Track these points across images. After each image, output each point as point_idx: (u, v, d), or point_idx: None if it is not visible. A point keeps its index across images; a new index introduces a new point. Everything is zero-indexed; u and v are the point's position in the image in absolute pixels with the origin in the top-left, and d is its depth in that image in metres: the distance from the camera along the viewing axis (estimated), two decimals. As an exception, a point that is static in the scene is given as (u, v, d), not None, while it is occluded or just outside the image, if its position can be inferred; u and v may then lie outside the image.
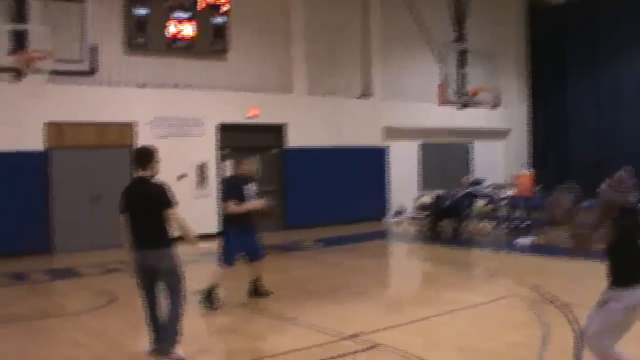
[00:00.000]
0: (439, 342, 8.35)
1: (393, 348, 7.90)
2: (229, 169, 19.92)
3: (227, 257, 10.76)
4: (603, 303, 6.11)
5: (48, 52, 12.48)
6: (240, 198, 10.64)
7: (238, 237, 10.71)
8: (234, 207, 10.57)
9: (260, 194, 11.14)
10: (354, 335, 8.47)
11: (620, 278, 6.05)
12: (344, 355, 7.80)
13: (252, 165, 11.31)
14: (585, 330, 6.31)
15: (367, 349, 7.98)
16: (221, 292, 10.85)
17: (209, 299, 10.72)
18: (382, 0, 23.63)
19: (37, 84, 16.26)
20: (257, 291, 11.34)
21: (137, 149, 8.45)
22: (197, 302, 10.39)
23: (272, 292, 11.35)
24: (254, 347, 8.55)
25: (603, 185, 6.23)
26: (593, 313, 6.20)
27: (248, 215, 10.75)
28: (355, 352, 7.89)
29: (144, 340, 8.14)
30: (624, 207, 6.11)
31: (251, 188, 10.83)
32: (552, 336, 8.40)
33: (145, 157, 7.98)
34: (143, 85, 18.52)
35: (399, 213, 23.59)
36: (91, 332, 9.28)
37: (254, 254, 11.01)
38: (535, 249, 16.58)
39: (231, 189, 10.86)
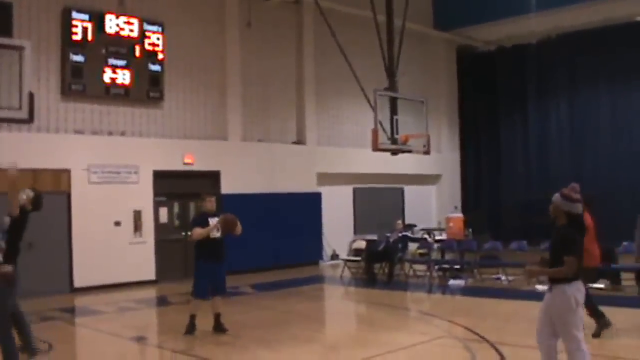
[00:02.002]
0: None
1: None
2: (163, 216, 20.04)
3: (197, 289, 11.66)
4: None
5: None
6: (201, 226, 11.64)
7: (206, 268, 11.55)
8: (198, 231, 11.56)
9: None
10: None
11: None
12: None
13: (213, 202, 12.07)
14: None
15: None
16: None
17: (191, 326, 11.60)
18: (316, 48, 24.11)
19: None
20: (216, 327, 11.82)
21: None
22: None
23: (227, 330, 11.85)
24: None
25: (556, 195, 7.36)
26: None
27: (214, 246, 11.60)
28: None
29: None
30: (571, 214, 7.29)
31: (214, 222, 11.64)
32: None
33: None
34: (80, 132, 18.49)
35: (333, 257, 23.82)
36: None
37: (216, 288, 11.72)
38: (467, 291, 16.96)
39: (197, 220, 12.00)
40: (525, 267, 8.03)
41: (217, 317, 11.88)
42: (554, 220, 7.48)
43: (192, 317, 11.72)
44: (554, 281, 7.19)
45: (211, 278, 11.62)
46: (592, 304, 10.33)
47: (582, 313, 7.29)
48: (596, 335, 10.37)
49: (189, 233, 12.09)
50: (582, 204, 7.46)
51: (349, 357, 9.93)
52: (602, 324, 10.53)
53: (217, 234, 11.63)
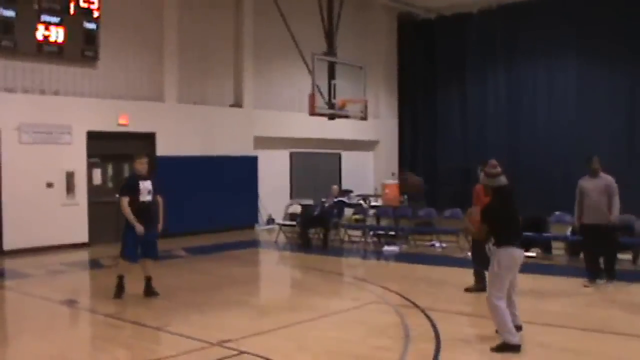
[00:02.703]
0: (308, 347, 8.54)
1: (260, 355, 8.04)
2: (96, 177, 19.76)
3: (126, 251, 11.53)
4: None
5: None
6: (134, 193, 11.40)
7: (134, 232, 11.31)
8: (123, 207, 11.40)
9: (154, 192, 11.64)
10: (222, 342, 8.57)
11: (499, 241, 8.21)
12: (213, 362, 7.90)
13: (144, 164, 11.77)
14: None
15: (234, 355, 8.09)
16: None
17: (119, 289, 11.59)
18: (255, 9, 23.84)
19: None
20: (146, 291, 11.74)
21: None
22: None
23: (159, 294, 11.78)
24: (123, 355, 8.53)
25: (481, 174, 8.64)
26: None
27: (144, 210, 11.42)
28: (223, 358, 7.98)
29: (6, 354, 8.01)
30: (497, 188, 8.41)
31: (146, 185, 11.50)
32: (414, 339, 8.74)
33: None
34: (11, 90, 18.03)
35: (269, 221, 23.80)
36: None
37: (146, 251, 11.62)
38: (402, 257, 17.09)
39: (127, 185, 11.77)
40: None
41: (147, 280, 11.78)
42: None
43: (120, 278, 11.65)
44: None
45: (141, 241, 11.46)
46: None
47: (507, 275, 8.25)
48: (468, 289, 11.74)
49: (120, 199, 11.62)
50: (503, 175, 8.49)
51: (278, 321, 9.91)
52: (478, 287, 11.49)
53: (147, 197, 11.47)
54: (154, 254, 11.82)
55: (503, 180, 8.45)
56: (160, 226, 11.69)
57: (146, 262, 11.70)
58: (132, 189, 11.48)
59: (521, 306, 8.93)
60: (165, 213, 11.90)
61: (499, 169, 8.48)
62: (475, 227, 8.73)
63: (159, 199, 11.75)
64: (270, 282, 15.38)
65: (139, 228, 11.26)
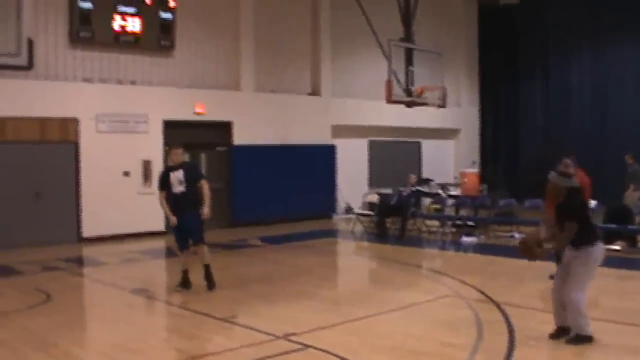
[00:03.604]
0: (372, 343, 8.24)
1: (324, 349, 7.79)
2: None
3: (177, 242, 11.58)
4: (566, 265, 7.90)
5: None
6: (166, 186, 11.26)
7: (178, 223, 11.20)
8: (159, 201, 11.41)
9: (188, 180, 11.20)
10: (287, 335, 8.35)
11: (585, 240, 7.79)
12: (274, 356, 7.67)
13: (178, 154, 11.45)
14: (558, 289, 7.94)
15: (299, 349, 7.87)
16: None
17: (183, 282, 11.51)
18: (332, -4, 23.61)
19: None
20: (205, 277, 11.52)
21: None
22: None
23: (214, 285, 11.46)
24: (186, 346, 8.39)
25: (552, 173, 7.98)
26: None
27: (177, 201, 11.20)
28: (286, 352, 7.77)
29: (70, 341, 7.95)
30: (571, 188, 7.94)
31: (177, 175, 11.19)
32: (486, 336, 8.36)
33: None
34: (88, 80, 18.20)
35: (347, 210, 23.55)
36: (19, 332, 9.00)
37: (180, 242, 11.49)
38: (480, 248, 16.65)
39: (158, 180, 11.60)
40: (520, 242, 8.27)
41: (205, 268, 11.50)
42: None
43: (183, 272, 11.54)
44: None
45: (182, 231, 11.32)
46: None
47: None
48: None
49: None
50: (576, 177, 8.22)
51: (347, 314, 9.64)
52: None
53: (180, 188, 11.15)
54: (196, 239, 11.42)
55: (576, 182, 8.16)
56: (205, 211, 11.18)
57: (198, 249, 11.46)
58: (162, 183, 11.36)
59: (603, 304, 8.48)
60: (209, 198, 11.35)
61: (572, 170, 8.30)
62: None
63: (204, 184, 11.36)
64: (344, 273, 15.14)
65: (172, 220, 11.19)
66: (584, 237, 7.83)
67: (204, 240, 11.44)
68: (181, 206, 11.14)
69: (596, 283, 8.48)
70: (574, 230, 7.77)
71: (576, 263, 7.83)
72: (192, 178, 11.26)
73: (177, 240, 11.49)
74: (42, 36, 17.27)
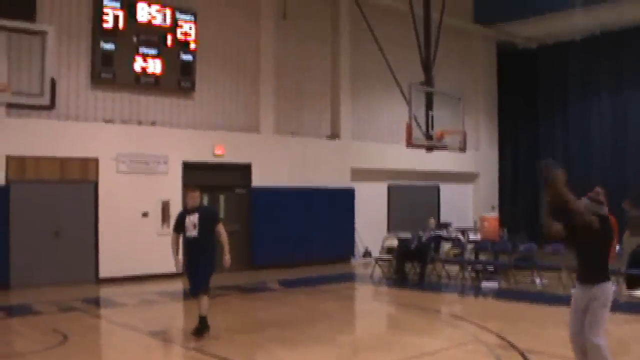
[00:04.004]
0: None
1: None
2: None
3: (189, 287, 11.30)
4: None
5: (4, 84, 12.22)
6: (181, 229, 11.09)
7: (187, 267, 11.07)
8: (173, 246, 11.28)
9: (202, 225, 10.91)
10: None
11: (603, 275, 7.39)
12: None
13: (195, 197, 11.25)
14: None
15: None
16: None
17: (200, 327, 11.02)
18: (352, 40, 23.67)
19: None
20: (195, 329, 11.06)
21: None
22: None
23: (204, 334, 11.01)
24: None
25: (583, 199, 7.63)
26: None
27: (189, 245, 11.01)
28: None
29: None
30: (602, 216, 7.50)
31: (192, 219, 10.96)
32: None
33: None
34: (109, 120, 18.28)
35: (366, 254, 23.41)
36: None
37: (192, 287, 11.17)
38: (500, 293, 16.44)
39: (176, 220, 11.41)
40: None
41: (200, 320, 11.04)
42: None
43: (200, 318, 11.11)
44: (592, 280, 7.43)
45: (193, 277, 11.07)
46: None
47: None
48: None
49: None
50: (607, 207, 7.77)
51: (369, 360, 9.51)
52: None
53: (193, 233, 10.92)
54: (201, 290, 10.98)
55: (606, 210, 7.78)
56: (226, 259, 10.93)
57: (197, 297, 11.06)
58: (177, 225, 11.20)
59: (635, 350, 8.27)
60: (227, 244, 11.12)
61: (603, 198, 7.89)
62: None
63: (221, 229, 11.11)
64: (363, 318, 14.94)
65: (176, 266, 11.10)
66: (603, 273, 7.50)
67: (207, 290, 11.09)
68: (193, 251, 10.95)
69: (626, 328, 8.32)
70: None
71: (596, 305, 7.44)
72: (206, 223, 10.97)
73: (190, 285, 11.26)
74: (65, 76, 17.39)
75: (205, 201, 20.25)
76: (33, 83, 15.56)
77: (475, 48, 28.73)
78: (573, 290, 7.74)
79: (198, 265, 10.87)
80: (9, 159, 16.62)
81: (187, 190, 11.79)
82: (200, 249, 10.88)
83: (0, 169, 16.48)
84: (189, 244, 10.99)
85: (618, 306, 8.98)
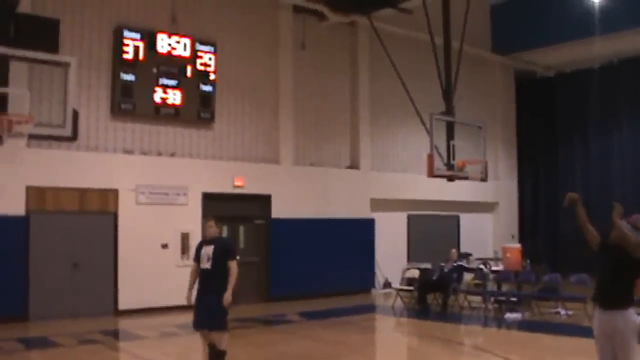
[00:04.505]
0: None
1: None
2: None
3: (193, 319, 10.72)
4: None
5: (28, 116, 12.22)
6: (197, 259, 10.66)
7: (197, 300, 10.56)
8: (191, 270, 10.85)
9: (216, 258, 10.41)
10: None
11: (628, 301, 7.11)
12: None
13: (212, 228, 10.84)
14: None
15: None
16: None
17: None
18: (371, 70, 23.66)
19: (17, 147, 16.01)
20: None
21: None
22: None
23: None
24: None
25: (622, 221, 7.35)
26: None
27: (203, 278, 10.56)
28: None
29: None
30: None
31: (207, 250, 10.55)
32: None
33: None
34: (129, 151, 18.28)
35: (386, 285, 23.22)
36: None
37: (205, 321, 10.55)
38: (524, 324, 16.22)
39: (195, 249, 10.98)
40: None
41: (210, 348, 10.64)
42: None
43: (210, 347, 10.67)
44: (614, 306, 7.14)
45: (202, 310, 10.47)
46: None
47: None
48: None
49: None
50: None
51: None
52: None
53: (207, 265, 10.48)
54: (211, 324, 10.45)
55: None
56: (226, 295, 10.20)
57: (214, 335, 10.52)
58: (196, 255, 10.80)
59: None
60: (233, 281, 10.37)
61: None
62: None
63: (232, 265, 10.41)
64: (386, 350, 14.76)
65: (186, 298, 10.69)
66: (628, 299, 7.18)
67: (226, 327, 10.51)
68: (204, 284, 10.51)
69: None
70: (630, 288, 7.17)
71: (627, 333, 7.06)
72: (221, 257, 10.47)
73: (194, 317, 10.63)
74: (85, 107, 17.39)
75: (225, 232, 20.20)
76: (54, 114, 15.68)
77: (493, 77, 28.65)
78: (596, 317, 7.45)
79: (209, 299, 10.34)
80: (28, 190, 16.61)
81: (205, 219, 11.41)
82: (213, 283, 10.39)
83: (20, 200, 16.45)
84: (203, 276, 10.58)
85: None
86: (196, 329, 10.69)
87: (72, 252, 17.14)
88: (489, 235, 28.37)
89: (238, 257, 10.87)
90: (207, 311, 10.34)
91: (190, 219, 18.94)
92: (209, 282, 10.44)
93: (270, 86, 21.33)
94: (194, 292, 10.60)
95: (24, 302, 16.30)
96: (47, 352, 12.89)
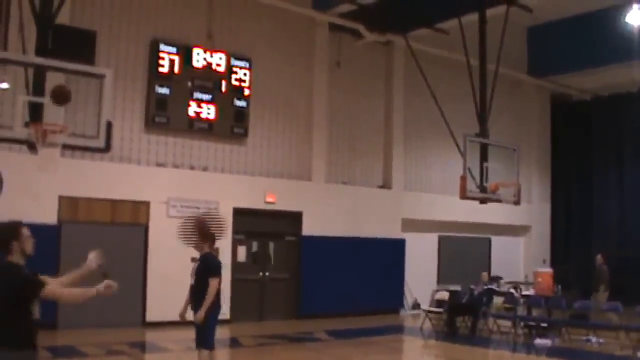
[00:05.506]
0: None
1: None
2: (240, 254, 19.73)
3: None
4: None
5: (62, 126, 12.28)
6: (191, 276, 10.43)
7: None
8: None
9: (198, 274, 10.35)
10: None
11: None
12: None
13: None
14: None
15: None
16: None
17: None
18: (405, 90, 23.62)
19: (51, 157, 16.08)
20: None
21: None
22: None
23: None
24: None
25: None
26: None
27: (191, 295, 10.43)
28: None
29: None
30: None
31: (194, 266, 10.53)
32: None
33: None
34: (161, 164, 18.35)
35: (415, 306, 23.04)
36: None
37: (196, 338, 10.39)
38: (554, 351, 15.97)
39: None
40: None
41: None
42: None
43: None
44: None
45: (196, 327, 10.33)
46: None
47: None
48: None
49: None
50: None
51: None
52: None
53: (192, 281, 10.44)
54: (199, 342, 10.32)
55: None
56: (199, 313, 10.04)
57: (199, 351, 10.37)
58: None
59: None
60: (209, 300, 10.13)
61: None
62: None
63: (211, 282, 10.20)
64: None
65: (179, 313, 10.54)
66: None
67: (208, 345, 10.27)
68: (192, 301, 10.38)
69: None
70: None
71: None
72: (203, 273, 10.33)
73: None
74: (119, 119, 17.45)
75: (255, 247, 20.20)
76: (88, 125, 15.72)
77: (529, 99, 28.44)
78: None
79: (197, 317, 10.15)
80: (61, 199, 16.73)
81: None
82: (197, 300, 10.21)
83: (53, 209, 16.56)
84: (191, 292, 10.48)
85: None
86: (197, 347, 10.47)
87: (103, 262, 17.14)
88: (520, 259, 28.11)
89: (220, 275, 10.50)
90: (197, 328, 10.23)
91: (220, 234, 18.89)
92: (194, 298, 10.31)
93: (304, 103, 21.36)
94: None
95: (53, 310, 16.30)
96: (73, 362, 12.91)
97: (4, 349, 5.66)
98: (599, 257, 21.45)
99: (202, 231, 10.55)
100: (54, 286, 6.04)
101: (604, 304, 18.00)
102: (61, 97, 9.92)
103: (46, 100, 11.71)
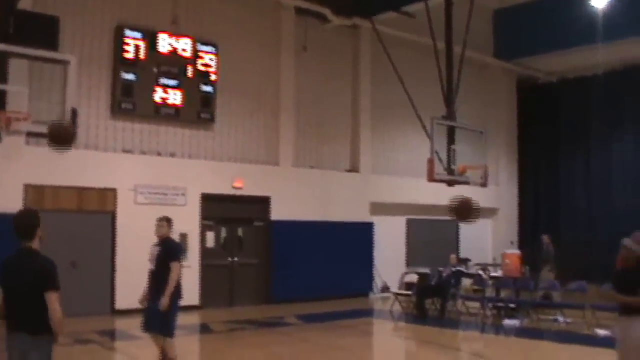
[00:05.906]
0: None
1: None
2: (209, 240, 19.67)
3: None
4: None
5: (26, 113, 12.16)
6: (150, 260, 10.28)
7: (147, 303, 10.29)
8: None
9: (159, 260, 10.20)
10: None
11: None
12: None
13: (162, 226, 10.62)
14: None
15: None
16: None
17: None
18: (372, 74, 23.62)
19: (15, 145, 15.94)
20: None
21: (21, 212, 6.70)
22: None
23: None
24: None
25: (627, 240, 7.95)
26: None
27: (149, 280, 10.29)
28: None
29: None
30: None
31: (153, 251, 10.37)
32: None
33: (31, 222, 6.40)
34: (128, 151, 18.22)
35: (384, 289, 23.13)
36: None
37: (144, 322, 10.36)
38: (523, 332, 16.13)
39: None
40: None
41: (161, 353, 10.38)
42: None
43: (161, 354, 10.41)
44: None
45: (146, 312, 10.29)
46: None
47: None
48: None
49: None
50: None
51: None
52: None
53: (151, 267, 10.27)
54: (153, 327, 10.21)
55: None
56: (162, 300, 9.82)
57: (158, 340, 10.33)
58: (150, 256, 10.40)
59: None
60: (172, 286, 9.99)
61: None
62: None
63: (172, 267, 10.06)
64: (382, 355, 14.69)
65: (139, 299, 10.37)
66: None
67: (169, 333, 10.17)
68: (151, 286, 10.19)
69: None
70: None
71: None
72: (164, 258, 10.17)
73: (143, 319, 10.40)
74: (84, 106, 17.30)
75: (223, 232, 20.16)
76: (53, 112, 15.57)
77: (496, 82, 28.58)
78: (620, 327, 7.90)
79: (153, 302, 10.01)
80: (27, 188, 16.54)
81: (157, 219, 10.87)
82: (157, 286, 10.04)
83: (18, 197, 16.34)
84: (150, 278, 10.28)
85: None
86: (143, 331, 10.41)
87: (70, 250, 17.03)
88: (489, 241, 28.31)
89: (182, 260, 10.51)
90: (150, 314, 10.09)
91: (188, 220, 18.84)
92: (154, 284, 10.14)
93: (271, 88, 21.28)
94: None
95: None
96: (41, 351, 12.78)
97: (23, 333, 5.88)
98: (545, 237, 21.90)
99: None
100: None
101: (550, 281, 18.44)
102: (62, 138, 9.54)
103: (9, 88, 11.61)
